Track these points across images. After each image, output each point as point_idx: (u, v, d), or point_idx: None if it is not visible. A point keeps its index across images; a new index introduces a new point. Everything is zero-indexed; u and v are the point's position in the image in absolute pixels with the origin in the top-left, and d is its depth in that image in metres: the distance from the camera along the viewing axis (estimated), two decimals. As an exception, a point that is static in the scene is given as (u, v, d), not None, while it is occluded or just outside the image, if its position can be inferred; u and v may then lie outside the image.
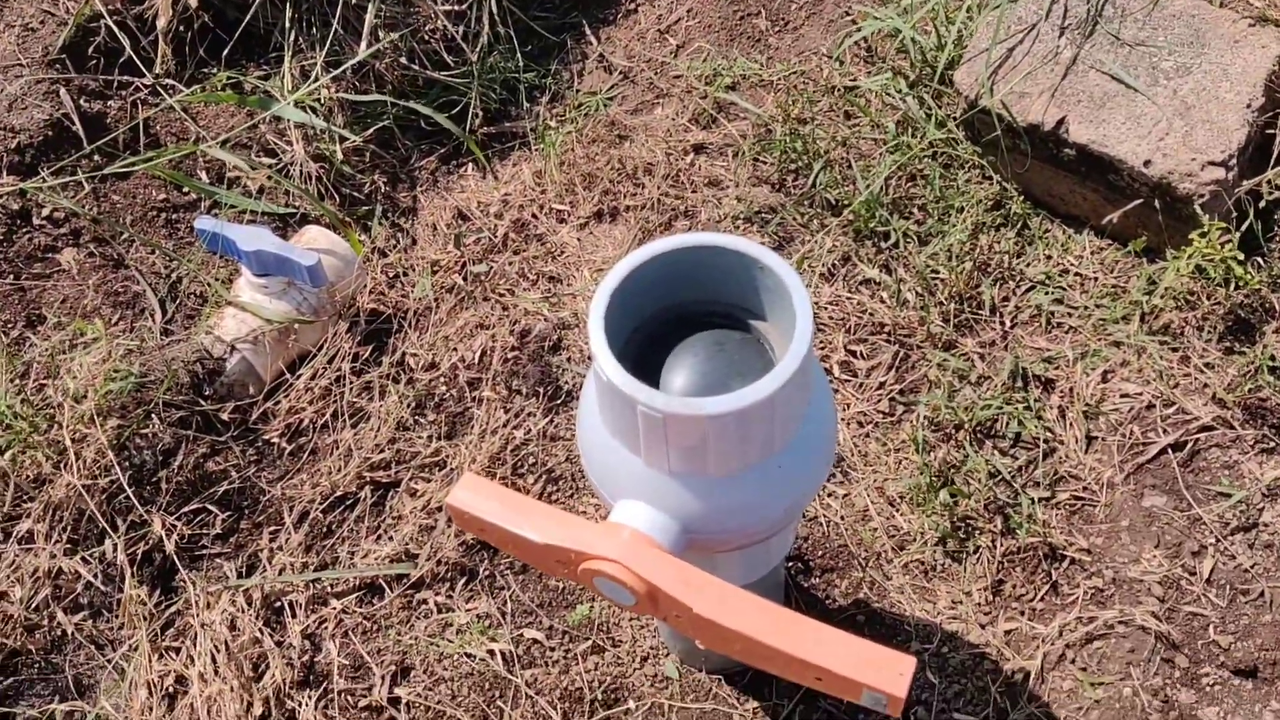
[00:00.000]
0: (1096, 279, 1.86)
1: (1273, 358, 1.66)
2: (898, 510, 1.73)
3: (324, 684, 1.63)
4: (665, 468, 1.15)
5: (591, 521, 1.21)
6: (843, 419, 1.83)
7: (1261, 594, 1.55)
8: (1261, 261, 1.73)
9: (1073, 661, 1.55)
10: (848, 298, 1.93)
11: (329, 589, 1.74)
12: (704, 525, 1.18)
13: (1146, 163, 1.71)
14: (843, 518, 1.74)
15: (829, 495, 1.76)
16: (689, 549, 1.20)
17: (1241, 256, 1.64)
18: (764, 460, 1.16)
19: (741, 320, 1.25)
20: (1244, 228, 1.68)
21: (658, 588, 1.14)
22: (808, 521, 1.74)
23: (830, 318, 1.91)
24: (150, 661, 1.61)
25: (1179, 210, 1.71)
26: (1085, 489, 1.68)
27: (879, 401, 1.84)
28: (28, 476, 1.74)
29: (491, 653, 1.65)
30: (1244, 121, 1.69)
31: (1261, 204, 1.73)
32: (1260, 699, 1.49)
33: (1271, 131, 1.74)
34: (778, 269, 1.15)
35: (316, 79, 2.27)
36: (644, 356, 1.22)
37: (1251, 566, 1.57)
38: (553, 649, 1.67)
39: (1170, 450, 1.68)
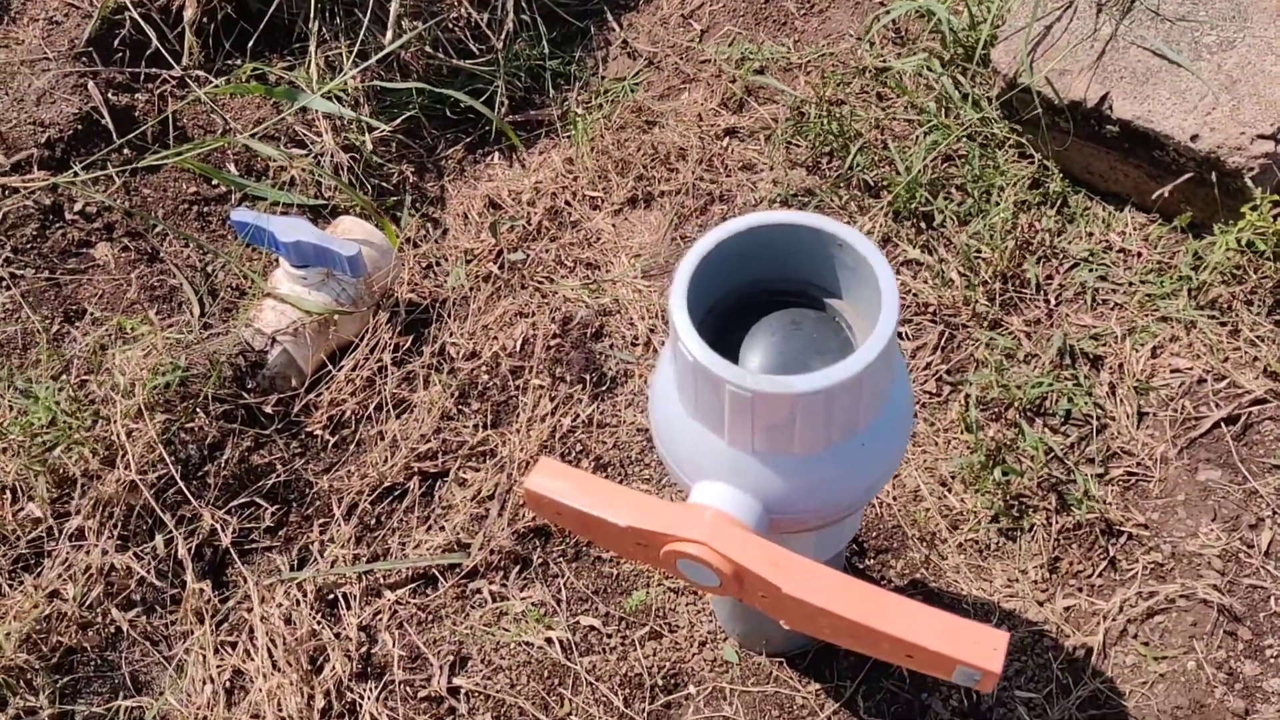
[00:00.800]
0: (1141, 255, 1.86)
1: (1324, 330, 1.67)
2: (950, 490, 1.73)
3: (383, 675, 1.63)
4: (749, 447, 1.15)
5: (673, 503, 1.20)
6: (890, 400, 1.82)
7: (1321, 565, 1.56)
8: (1310, 232, 1.74)
9: (1134, 636, 1.55)
10: (890, 279, 1.93)
11: (382, 580, 1.73)
12: (786, 505, 1.18)
13: (1194, 137, 1.71)
14: (895, 498, 1.74)
15: (880, 476, 1.76)
16: (770, 530, 1.20)
17: (1293, 228, 1.65)
18: (847, 439, 1.16)
19: (816, 298, 1.25)
20: (1294, 201, 1.69)
21: (744, 568, 1.14)
22: (860, 503, 1.74)
23: (874, 299, 1.91)
24: (210, 656, 1.60)
25: (1227, 184, 1.71)
26: (1139, 465, 1.68)
27: (926, 382, 1.84)
28: (76, 474, 1.72)
29: (549, 640, 1.65)
30: (1292, 94, 1.70)
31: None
32: (1325, 669, 1.50)
33: (1318, 103, 1.75)
34: (859, 245, 1.15)
35: (343, 70, 2.25)
36: (719, 336, 1.21)
37: (1310, 538, 1.58)
38: (610, 636, 1.67)
39: (1223, 424, 1.68)
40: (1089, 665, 1.54)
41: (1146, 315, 1.80)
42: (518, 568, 1.74)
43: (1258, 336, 1.72)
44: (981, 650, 1.09)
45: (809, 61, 2.32)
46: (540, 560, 1.74)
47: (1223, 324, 1.75)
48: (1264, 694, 1.48)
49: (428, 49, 2.40)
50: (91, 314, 1.95)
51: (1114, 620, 1.56)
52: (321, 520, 1.80)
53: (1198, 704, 1.48)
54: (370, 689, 1.60)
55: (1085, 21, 1.89)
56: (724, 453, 1.17)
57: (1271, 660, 1.51)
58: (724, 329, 1.23)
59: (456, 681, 1.63)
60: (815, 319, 1.23)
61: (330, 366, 1.96)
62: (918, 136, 2.08)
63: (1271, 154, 1.67)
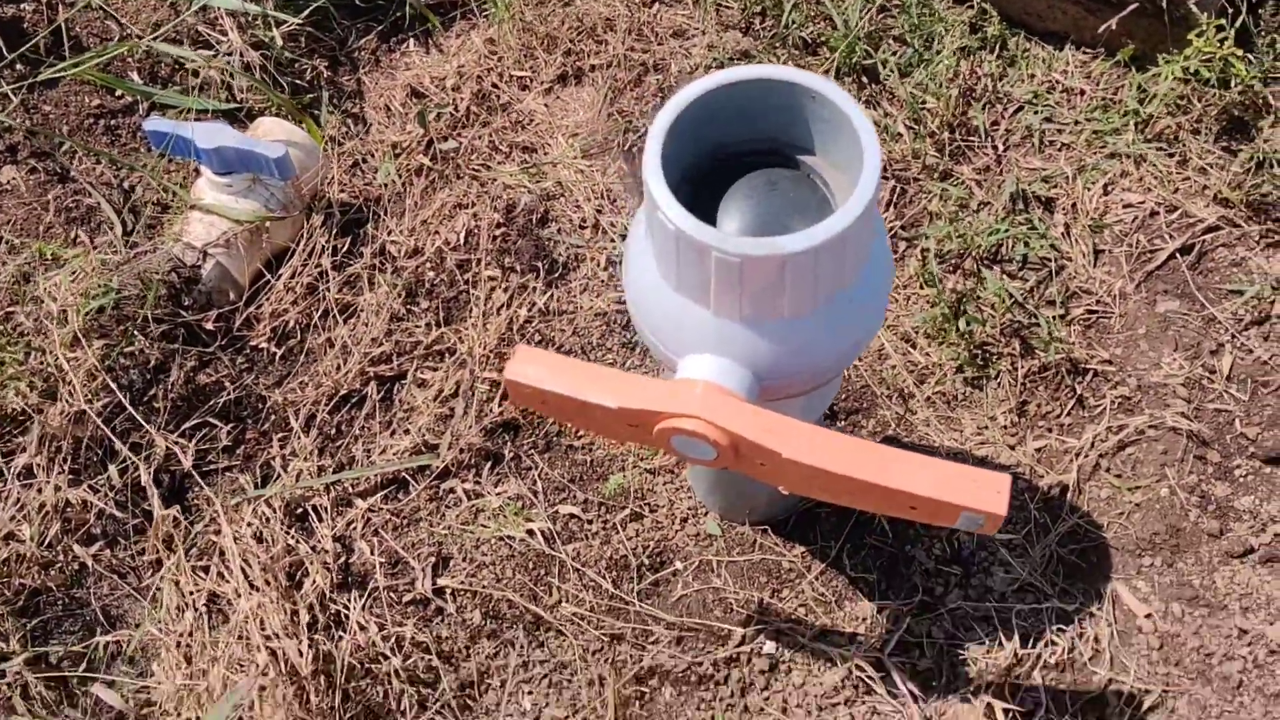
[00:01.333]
0: (1084, 93, 1.85)
1: (1274, 151, 1.68)
2: (914, 346, 1.73)
3: (366, 583, 1.60)
4: (736, 315, 1.12)
5: (661, 380, 1.17)
6: (846, 261, 1.81)
7: (1281, 384, 1.60)
8: (1252, 58, 1.73)
9: (1108, 470, 1.58)
10: (836, 138, 1.89)
11: (351, 489, 1.69)
12: (776, 370, 1.16)
13: (1135, -35, 1.69)
14: (861, 359, 1.73)
15: (844, 338, 1.75)
16: (762, 396, 1.18)
17: (1240, 53, 1.64)
18: (834, 297, 1.14)
19: (789, 156, 1.21)
20: (1238, 24, 1.68)
21: (741, 437, 1.12)
22: (827, 366, 1.73)
23: (822, 160, 1.88)
24: (184, 582, 1.55)
25: (1173, 11, 1.69)
26: (1098, 302, 1.70)
27: (880, 239, 1.82)
28: (15, 409, 1.64)
29: (530, 533, 1.63)
30: (1230, -87, 1.68)
31: (1252, -2, 1.74)
32: (1291, 483, 1.55)
33: (1256, -77, 1.74)
34: (834, 97, 1.11)
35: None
36: (692, 205, 1.17)
37: (1269, 358, 1.61)
38: (591, 522, 1.65)
39: (1178, 254, 1.70)
40: (1065, 502, 1.57)
41: (1095, 153, 1.79)
42: (489, 464, 1.71)
43: (1207, 165, 1.73)
44: (985, 494, 1.09)
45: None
46: (512, 454, 1.71)
47: (1171, 155, 1.76)
48: (1236, 513, 1.52)
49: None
50: (8, 241, 1.83)
51: (1086, 456, 1.59)
52: (280, 435, 1.74)
53: (1173, 528, 1.52)
54: (354, 598, 1.57)
55: None
56: (710, 323, 1.14)
57: (1241, 480, 1.55)
58: (696, 196, 1.19)
59: (441, 582, 1.61)
60: (791, 178, 1.19)
61: (268, 276, 1.88)
62: (852, -11, 2.02)
63: (1215, -22, 1.67)
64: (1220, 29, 1.64)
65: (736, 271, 1.06)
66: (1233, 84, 1.70)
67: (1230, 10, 1.71)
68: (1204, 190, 1.72)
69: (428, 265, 1.88)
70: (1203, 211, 1.70)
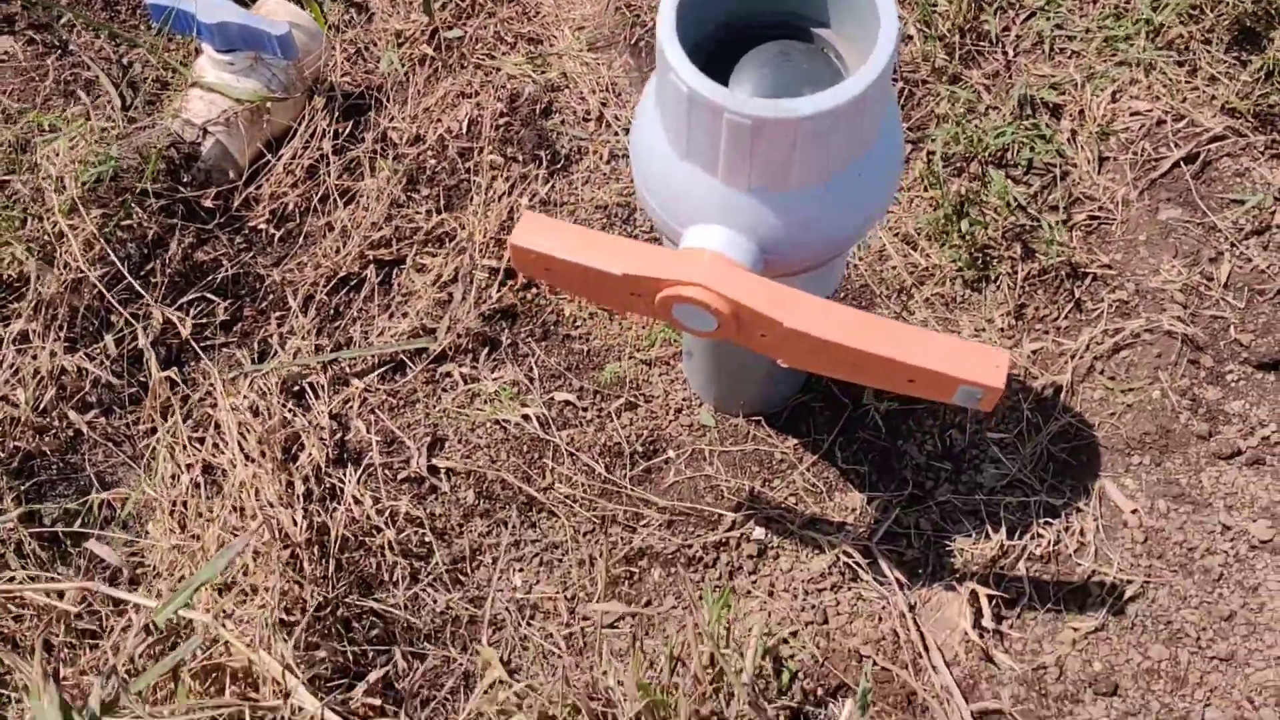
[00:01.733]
0: (1097, 0, 1.84)
1: (1278, 62, 1.68)
2: (915, 248, 1.73)
3: (361, 460, 1.60)
4: (745, 184, 1.12)
5: (666, 248, 1.17)
6: (850, 162, 1.80)
7: (1278, 292, 1.60)
8: (1268, -34, 1.72)
9: (1101, 372, 1.59)
10: (845, 38, 1.88)
11: (348, 369, 1.70)
12: (782, 244, 1.16)
13: None
14: (861, 259, 1.73)
15: (844, 238, 1.74)
16: (765, 271, 1.18)
17: (1255, -42, 1.63)
18: (844, 170, 1.14)
19: (803, 29, 1.20)
20: (1256, -70, 1.67)
21: (743, 305, 1.12)
22: (827, 264, 1.73)
23: (830, 60, 1.86)
24: (179, 452, 1.56)
25: (1189, -83, 1.68)
26: (1101, 208, 1.70)
27: (885, 142, 1.81)
28: (12, 275, 1.63)
29: (526, 417, 1.64)
30: None
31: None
32: (1282, 389, 1.56)
33: None
34: (851, -37, 1.10)
35: None
36: (707, 73, 1.16)
37: (1267, 267, 1.62)
38: (585, 409, 1.66)
39: (1183, 163, 1.70)
40: (1058, 402, 1.58)
41: (1105, 60, 1.78)
42: (486, 349, 1.71)
43: (1216, 74, 1.72)
44: (984, 368, 1.10)
45: None
46: (509, 341, 1.71)
47: (1181, 64, 1.75)
48: (1225, 416, 1.54)
49: None
50: (4, 110, 1.81)
51: (1081, 358, 1.60)
52: (278, 314, 1.74)
53: (1164, 429, 1.53)
54: (349, 473, 1.58)
55: None
56: (718, 192, 1.14)
57: (1232, 385, 1.56)
58: (713, 67, 1.18)
59: (436, 462, 1.62)
60: (804, 50, 1.18)
61: (269, 156, 1.86)
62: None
63: (1235, -118, 1.65)
64: (1239, -65, 1.63)
65: (748, 135, 1.06)
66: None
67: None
68: (1212, 100, 1.72)
69: (429, 152, 1.87)
70: (1209, 121, 1.70)
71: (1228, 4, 1.71)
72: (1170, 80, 1.73)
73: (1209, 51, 1.73)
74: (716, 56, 1.19)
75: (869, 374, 1.16)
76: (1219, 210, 1.66)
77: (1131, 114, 1.73)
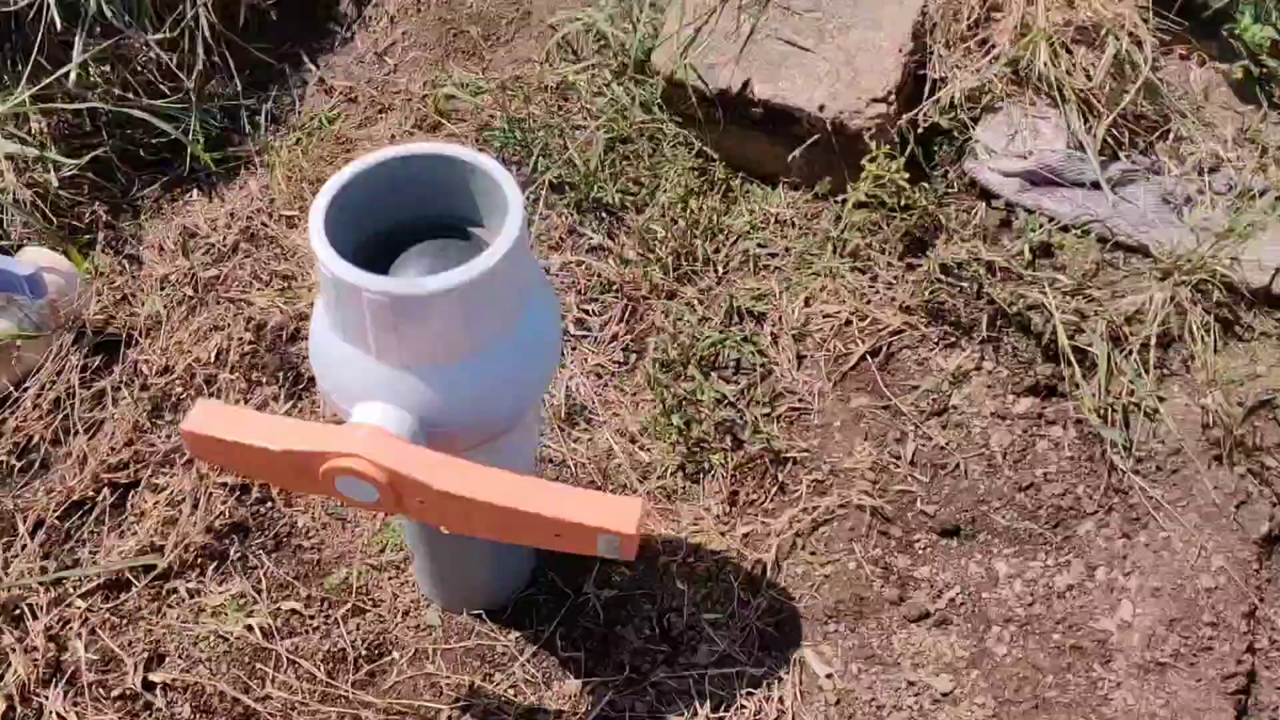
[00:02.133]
0: (793, 222, 2.05)
1: (943, 265, 1.88)
2: (639, 445, 1.83)
3: (71, 677, 1.57)
4: (397, 359, 1.20)
5: (329, 425, 1.24)
6: (582, 372, 1.92)
7: (957, 466, 1.74)
8: (927, 185, 1.96)
9: (803, 548, 1.68)
10: (577, 263, 2.05)
11: (72, 589, 1.68)
12: (440, 416, 1.23)
13: (821, 107, 1.92)
14: (590, 458, 1.82)
15: (574, 441, 1.84)
16: (430, 443, 1.25)
17: (908, 175, 1.86)
18: (490, 346, 1.23)
19: (463, 230, 1.33)
20: (907, 153, 1.91)
21: (397, 473, 1.18)
22: (556, 465, 1.82)
23: (562, 281, 2.02)
24: None
25: (853, 146, 1.92)
26: (800, 400, 1.84)
27: (614, 353, 1.95)
28: None
29: (249, 628, 1.64)
30: (898, 64, 1.93)
31: (919, 131, 1.97)
32: (964, 553, 1.66)
33: (922, 72, 2.00)
34: (484, 166, 1.24)
35: (24, 104, 2.23)
36: (386, 270, 1.27)
37: (946, 444, 1.76)
38: (312, 617, 1.67)
39: (869, 356, 1.86)
40: (765, 579, 1.66)
41: (800, 272, 1.98)
42: (215, 563, 1.72)
43: (892, 278, 1.92)
44: (617, 516, 1.18)
45: (497, 85, 2.45)
46: (239, 554, 1.73)
47: (862, 271, 1.95)
48: (915, 581, 1.63)
49: (116, 91, 2.39)
50: None
51: (784, 536, 1.69)
52: (5, 539, 1.73)
53: (858, 597, 1.61)
54: (56, 693, 1.54)
55: (729, 22, 2.10)
56: (375, 370, 1.22)
57: (920, 552, 1.66)
58: (378, 265, 1.28)
59: (152, 677, 1.59)
60: (461, 246, 1.31)
61: (16, 392, 1.90)
62: (595, 138, 2.22)
63: (884, 115, 1.90)
64: (891, 155, 1.87)
65: (388, 311, 1.16)
66: (907, 209, 1.92)
67: (900, 142, 1.95)
68: (891, 300, 1.91)
69: (177, 382, 1.94)
70: (890, 318, 1.88)
71: (898, 219, 1.94)
72: (854, 286, 1.93)
73: (885, 259, 1.94)
74: (389, 254, 1.30)
75: (521, 532, 1.23)
76: (901, 395, 1.82)
77: (824, 316, 1.91)
